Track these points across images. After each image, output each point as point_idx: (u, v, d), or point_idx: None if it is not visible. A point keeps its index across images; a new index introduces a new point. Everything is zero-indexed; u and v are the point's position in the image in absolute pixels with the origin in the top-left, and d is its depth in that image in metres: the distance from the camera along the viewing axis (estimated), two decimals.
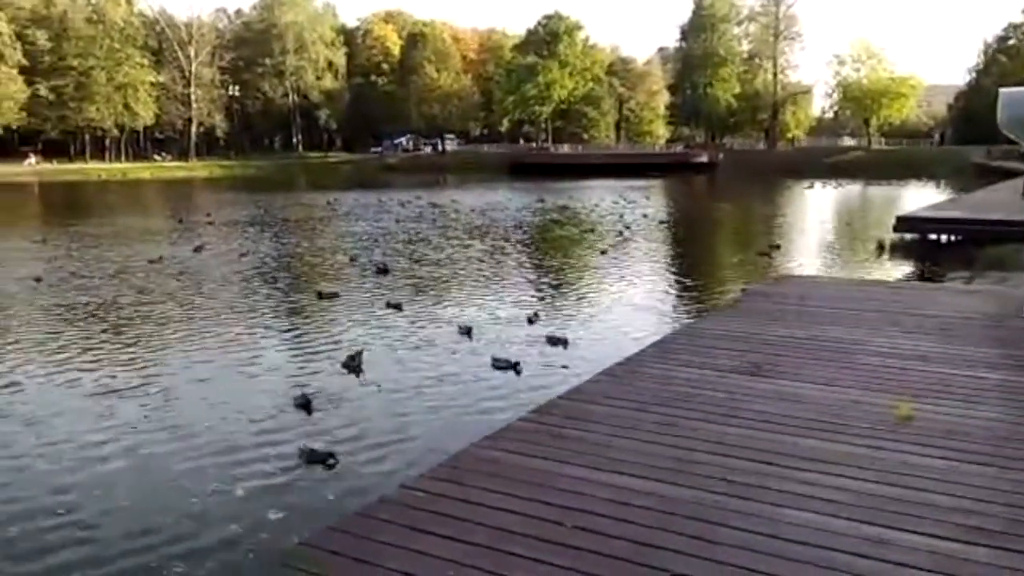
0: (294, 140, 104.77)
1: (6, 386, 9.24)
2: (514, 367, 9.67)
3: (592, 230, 27.55)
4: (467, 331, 11.59)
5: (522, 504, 4.41)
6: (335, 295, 14.73)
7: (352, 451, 7.18)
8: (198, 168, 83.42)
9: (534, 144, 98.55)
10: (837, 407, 5.97)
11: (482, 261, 20.01)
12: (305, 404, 8.34)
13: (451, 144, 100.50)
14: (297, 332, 12.46)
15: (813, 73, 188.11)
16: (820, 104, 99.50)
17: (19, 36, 79.56)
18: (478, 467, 4.97)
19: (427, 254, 21.17)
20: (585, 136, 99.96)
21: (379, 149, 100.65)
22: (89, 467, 6.97)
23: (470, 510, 4.36)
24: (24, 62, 78.91)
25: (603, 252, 21.51)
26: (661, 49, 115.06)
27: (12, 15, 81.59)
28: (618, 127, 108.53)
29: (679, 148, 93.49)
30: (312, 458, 6.88)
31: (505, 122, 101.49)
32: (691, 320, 12.19)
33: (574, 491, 4.57)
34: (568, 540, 4.00)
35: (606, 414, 5.91)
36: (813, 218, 33.69)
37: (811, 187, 55.21)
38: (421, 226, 28.85)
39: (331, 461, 6.83)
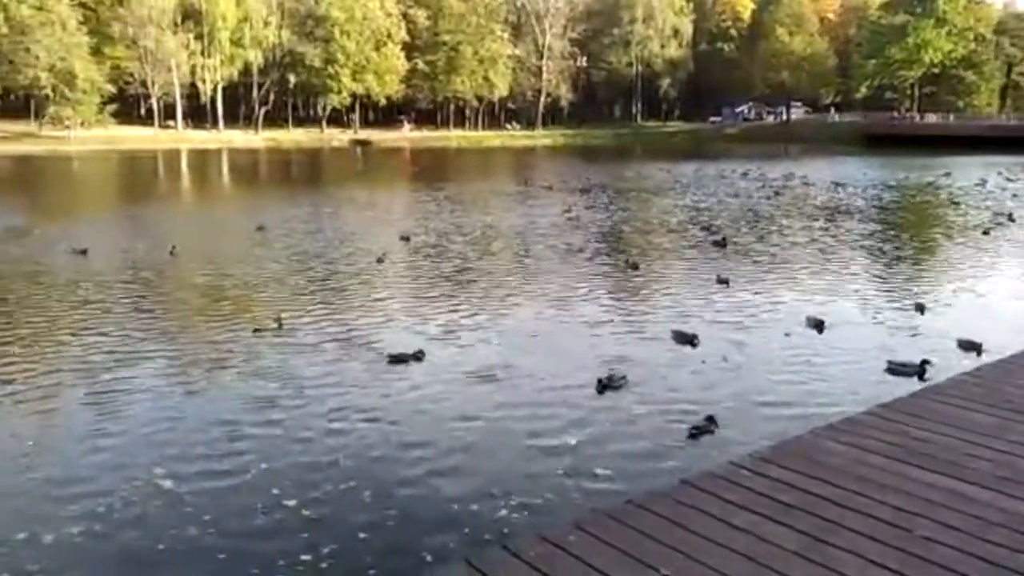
0: (633, 110, 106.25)
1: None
2: (919, 371, 8.15)
3: (968, 211, 24.28)
4: (818, 324, 10.18)
5: (854, 499, 4.14)
6: (636, 266, 14.85)
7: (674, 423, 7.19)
8: (541, 137, 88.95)
9: (896, 113, 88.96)
10: None
11: (834, 242, 18.36)
12: (607, 383, 8.10)
13: (796, 112, 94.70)
14: (626, 301, 12.71)
15: None
16: None
17: (404, 16, 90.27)
18: (808, 454, 4.74)
19: (767, 230, 20.16)
20: (960, 104, 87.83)
21: (718, 118, 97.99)
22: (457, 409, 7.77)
23: (794, 495, 4.18)
24: (407, 39, 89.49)
25: (985, 232, 19.23)
26: None
27: None
28: (1003, 94, 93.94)
29: None
30: (695, 431, 6.85)
31: (863, 89, 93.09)
32: None
33: (920, 496, 4.17)
34: (917, 551, 3.63)
35: (965, 418, 5.28)
36: None
37: None
38: (760, 200, 27.63)
39: (712, 428, 6.81)
